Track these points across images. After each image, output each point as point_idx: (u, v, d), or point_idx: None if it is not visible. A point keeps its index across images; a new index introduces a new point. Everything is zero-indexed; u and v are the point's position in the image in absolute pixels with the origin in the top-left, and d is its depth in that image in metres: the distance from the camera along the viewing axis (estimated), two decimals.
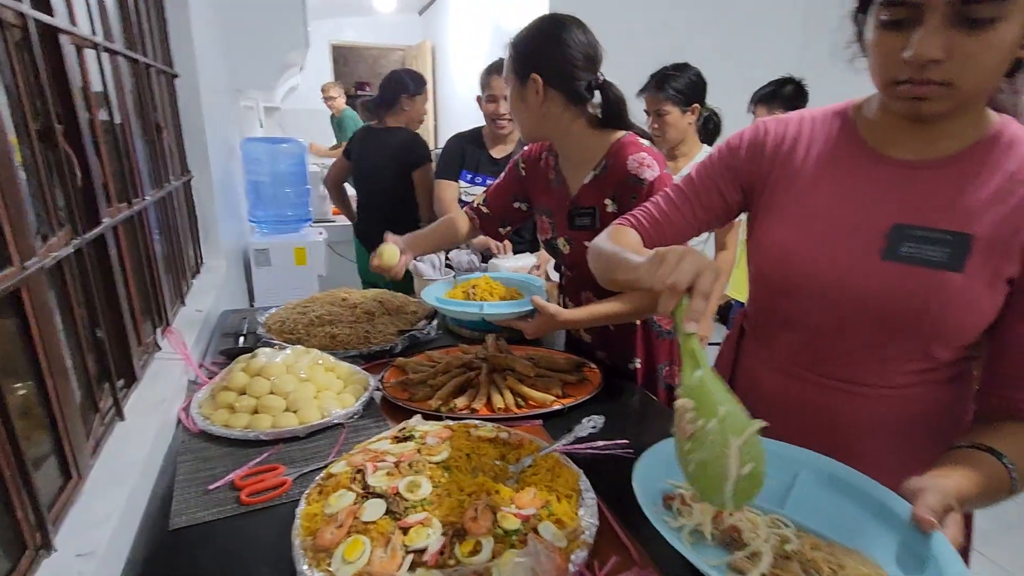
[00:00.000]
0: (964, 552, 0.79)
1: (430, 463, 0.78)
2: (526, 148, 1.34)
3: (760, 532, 0.59)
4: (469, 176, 2.01)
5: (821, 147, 0.77)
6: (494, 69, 1.90)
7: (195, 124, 1.74)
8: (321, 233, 2.59)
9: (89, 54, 0.98)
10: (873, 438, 0.75)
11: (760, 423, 0.55)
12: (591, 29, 1.13)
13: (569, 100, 1.12)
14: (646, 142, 1.13)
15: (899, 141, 0.71)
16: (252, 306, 2.33)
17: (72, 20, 0.91)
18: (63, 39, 0.83)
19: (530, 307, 1.12)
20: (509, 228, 1.42)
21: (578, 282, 1.29)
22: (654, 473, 0.66)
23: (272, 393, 1.00)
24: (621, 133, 1.15)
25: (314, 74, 5.67)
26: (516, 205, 1.37)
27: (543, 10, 3.28)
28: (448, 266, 1.75)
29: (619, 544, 0.72)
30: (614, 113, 1.15)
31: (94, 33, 1.01)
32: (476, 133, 2.04)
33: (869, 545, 0.59)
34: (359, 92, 6.37)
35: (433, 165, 2.25)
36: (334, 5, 5.63)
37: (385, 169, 2.31)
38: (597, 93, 1.13)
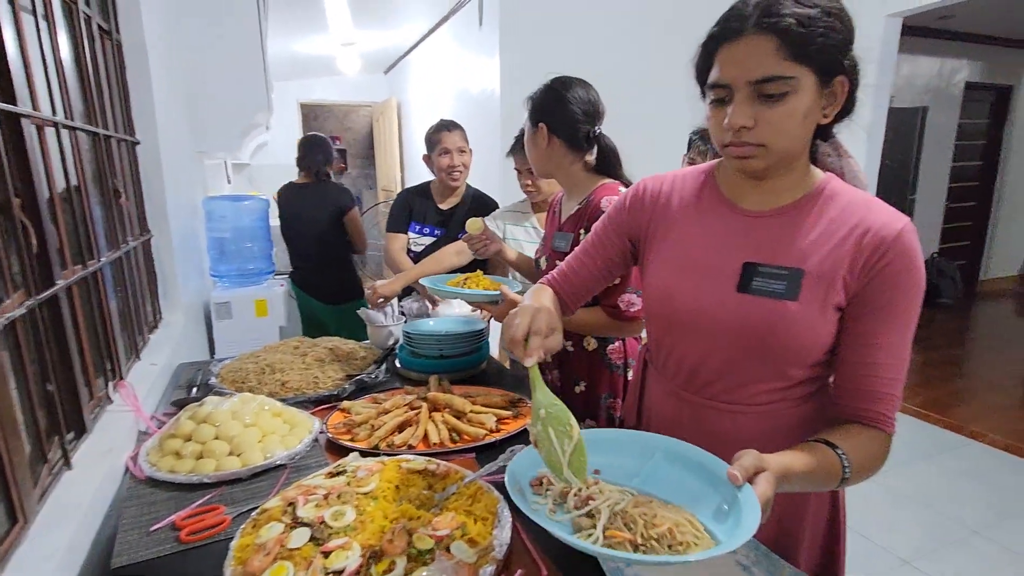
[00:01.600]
0: (834, 522, 0.91)
1: (358, 494, 0.85)
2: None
3: (606, 498, 0.71)
4: (417, 227, 2.13)
5: (690, 200, 0.91)
6: (443, 127, 2.07)
7: (156, 187, 1.83)
8: (283, 284, 2.66)
9: (49, 131, 1.08)
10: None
11: (566, 413, 0.72)
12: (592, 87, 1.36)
13: (569, 147, 1.34)
14: (623, 189, 1.30)
15: (747, 195, 0.85)
16: (213, 358, 2.36)
17: (34, 103, 1.01)
18: (24, 122, 0.93)
19: (497, 293, 1.31)
20: None
21: None
22: (524, 468, 0.79)
23: (217, 438, 1.06)
24: (605, 180, 1.35)
25: (284, 131, 5.85)
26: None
27: (496, 72, 3.51)
28: (401, 313, 1.84)
29: (529, 560, 0.79)
30: (608, 162, 1.36)
31: (54, 112, 1.12)
32: (424, 186, 2.18)
33: (696, 504, 0.71)
34: None
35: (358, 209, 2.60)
36: (302, 68, 5.87)
37: (317, 219, 2.58)
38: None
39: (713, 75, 0.77)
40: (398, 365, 1.56)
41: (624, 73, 3.54)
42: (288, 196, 2.63)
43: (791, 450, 0.72)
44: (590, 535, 0.66)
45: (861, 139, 3.41)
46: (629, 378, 1.37)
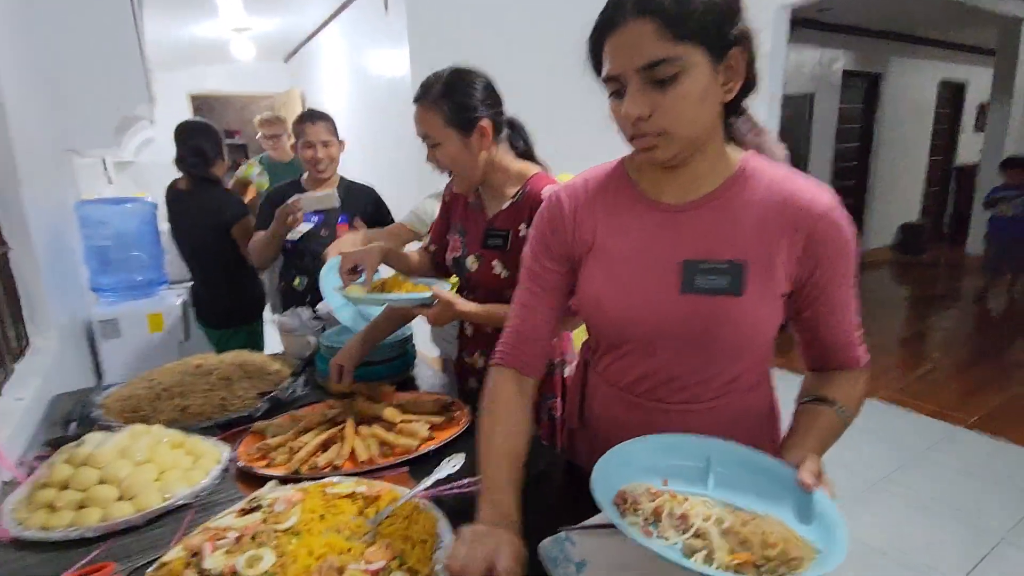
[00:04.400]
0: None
1: (277, 531, 0.75)
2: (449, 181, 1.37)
3: (699, 514, 0.64)
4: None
5: (608, 203, 0.85)
6: (306, 118, 1.97)
7: (9, 193, 1.57)
8: (180, 295, 2.40)
9: None
10: None
11: None
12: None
13: (496, 136, 1.21)
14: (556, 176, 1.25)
15: (665, 188, 0.81)
16: (100, 385, 2.10)
17: None
18: None
19: (428, 295, 1.15)
20: None
21: (479, 302, 1.27)
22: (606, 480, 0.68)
23: (102, 482, 0.91)
24: (536, 168, 1.25)
25: (171, 125, 5.32)
26: (449, 236, 1.39)
27: (405, 57, 3.37)
28: (316, 318, 1.71)
29: None
30: (527, 141, 1.31)
31: None
32: (294, 183, 2.05)
33: (774, 509, 0.68)
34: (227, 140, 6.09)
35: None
36: (190, 55, 5.37)
37: (196, 233, 2.19)
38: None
39: (604, 68, 0.73)
40: (317, 378, 1.44)
41: (538, 57, 3.52)
42: (169, 202, 2.24)
43: (805, 430, 0.77)
44: (711, 562, 0.59)
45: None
46: (566, 375, 1.34)
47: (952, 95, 7.33)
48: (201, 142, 2.20)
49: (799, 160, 5.69)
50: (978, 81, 7.23)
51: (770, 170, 0.78)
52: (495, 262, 1.25)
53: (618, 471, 0.70)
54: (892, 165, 6.66)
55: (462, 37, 3.36)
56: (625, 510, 0.65)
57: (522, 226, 1.22)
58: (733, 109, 0.77)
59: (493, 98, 1.21)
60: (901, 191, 6.95)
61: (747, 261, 0.75)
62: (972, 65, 7.20)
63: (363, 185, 2.10)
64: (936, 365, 3.75)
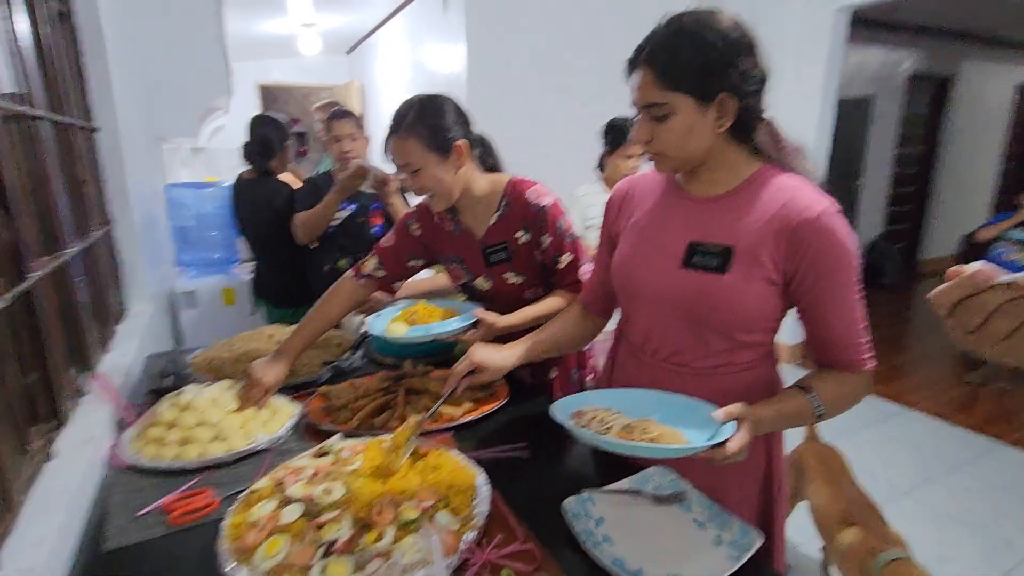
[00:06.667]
0: (768, 484, 1.02)
1: (344, 472, 0.90)
2: (409, 211, 1.42)
3: (614, 420, 0.87)
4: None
5: (654, 190, 1.03)
6: (333, 116, 2.10)
7: (117, 175, 1.79)
8: (251, 272, 2.63)
9: (11, 120, 1.06)
10: None
11: None
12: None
13: (470, 153, 1.26)
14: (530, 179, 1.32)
15: (694, 184, 0.97)
16: (181, 348, 2.34)
17: None
18: None
19: (471, 319, 1.24)
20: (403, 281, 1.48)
21: (502, 311, 1.34)
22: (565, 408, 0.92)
23: (200, 425, 1.08)
24: (506, 177, 1.32)
25: (242, 113, 5.64)
26: (411, 263, 1.43)
27: (463, 54, 3.51)
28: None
29: (507, 526, 0.86)
30: (493, 155, 1.37)
31: (18, 101, 1.09)
32: (326, 174, 2.18)
33: (684, 429, 0.85)
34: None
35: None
36: (260, 48, 5.69)
37: (256, 221, 2.31)
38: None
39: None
40: (373, 353, 1.60)
41: (593, 60, 3.59)
42: (236, 190, 2.38)
43: (769, 402, 0.88)
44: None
45: (811, 127, 3.58)
46: (583, 348, 1.44)
47: None
48: (268, 132, 2.34)
49: (851, 165, 5.53)
50: None
51: (781, 179, 0.90)
52: (506, 274, 1.32)
53: (584, 400, 0.95)
54: (958, 174, 6.36)
55: (519, 36, 3.46)
56: (580, 421, 0.87)
57: (519, 233, 1.29)
58: (741, 134, 0.90)
59: (463, 119, 1.25)
60: (967, 201, 6.62)
61: (735, 247, 0.89)
62: None
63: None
64: (986, 379, 3.63)
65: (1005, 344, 0.45)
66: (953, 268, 0.45)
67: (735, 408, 0.82)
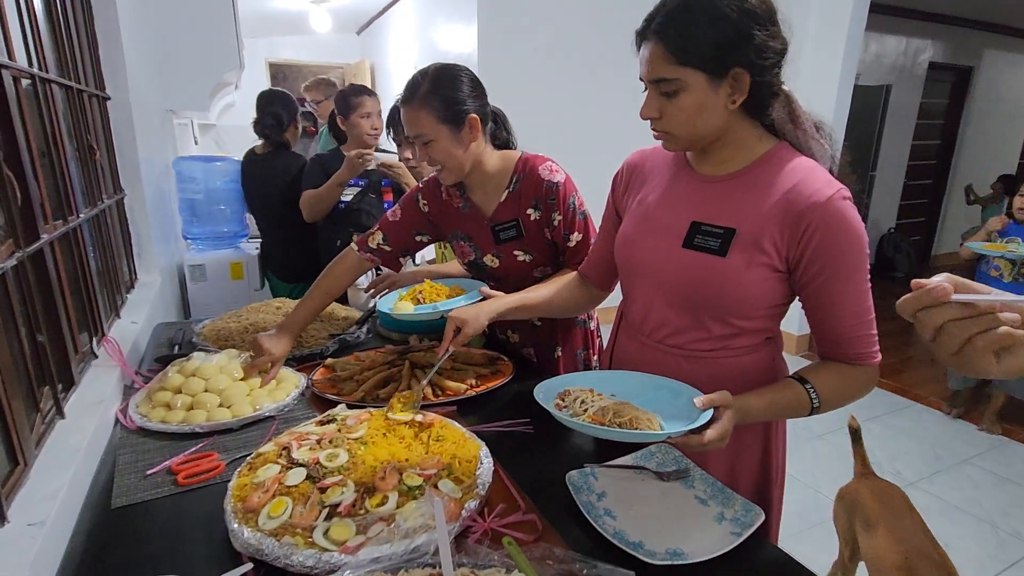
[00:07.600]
0: (766, 468, 1.02)
1: (349, 439, 0.91)
2: (419, 185, 1.41)
3: (593, 401, 0.88)
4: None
5: (661, 166, 1.01)
6: (364, 92, 2.09)
7: (127, 144, 1.79)
8: (258, 248, 2.64)
9: (25, 83, 1.06)
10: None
11: None
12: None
13: (483, 128, 1.24)
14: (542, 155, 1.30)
15: (703, 162, 0.94)
16: (189, 319, 2.36)
17: (9, 54, 1.00)
18: (3, 73, 0.92)
19: (479, 297, 1.24)
20: (407, 256, 1.49)
21: (508, 290, 1.34)
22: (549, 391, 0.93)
23: (207, 391, 1.09)
24: (517, 154, 1.30)
25: (251, 91, 5.63)
26: (418, 239, 1.42)
27: (473, 34, 3.47)
28: (377, 269, 1.86)
29: (509, 496, 0.86)
30: (509, 131, 1.35)
31: (30, 63, 1.09)
32: (334, 152, 2.18)
33: (670, 419, 0.84)
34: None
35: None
36: (270, 25, 5.65)
37: (269, 194, 2.32)
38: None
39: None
40: (378, 327, 1.60)
41: (605, 38, 3.54)
42: (245, 165, 2.40)
43: (763, 391, 0.86)
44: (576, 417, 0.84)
45: (827, 115, 3.52)
46: (591, 329, 1.44)
47: None
48: (279, 109, 2.35)
49: (865, 153, 5.44)
50: None
51: (793, 160, 0.87)
52: (516, 251, 1.31)
53: (571, 381, 0.96)
54: (977, 165, 6.25)
55: (530, 15, 3.42)
56: (560, 406, 0.88)
57: (530, 210, 1.27)
58: (755, 111, 0.87)
59: (478, 91, 1.22)
60: (985, 193, 6.53)
61: (737, 230, 0.86)
62: None
63: (394, 153, 2.24)
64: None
65: (955, 359, 0.44)
66: (916, 280, 0.45)
67: (717, 396, 0.80)
